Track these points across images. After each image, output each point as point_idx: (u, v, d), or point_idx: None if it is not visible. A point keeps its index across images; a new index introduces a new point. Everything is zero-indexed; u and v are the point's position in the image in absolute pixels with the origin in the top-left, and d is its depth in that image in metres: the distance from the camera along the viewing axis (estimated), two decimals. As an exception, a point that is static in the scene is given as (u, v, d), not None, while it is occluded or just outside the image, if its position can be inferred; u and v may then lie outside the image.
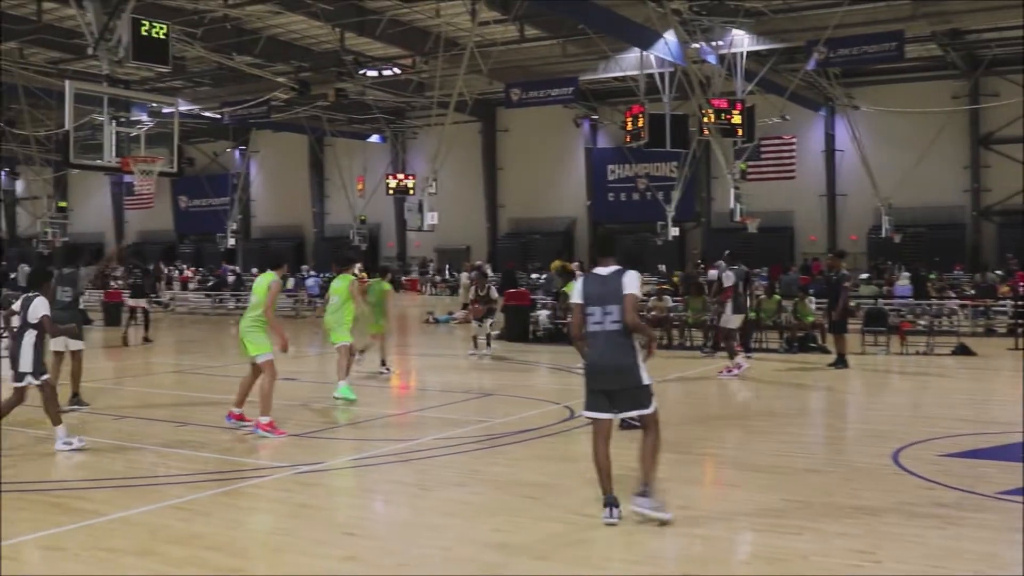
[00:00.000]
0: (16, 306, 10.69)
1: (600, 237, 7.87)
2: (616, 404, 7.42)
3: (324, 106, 41.64)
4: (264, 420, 11.08)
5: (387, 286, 17.18)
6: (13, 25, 31.60)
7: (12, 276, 38.12)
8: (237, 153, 58.53)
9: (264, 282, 11.70)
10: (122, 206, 63.35)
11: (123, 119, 18.15)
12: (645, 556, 6.85)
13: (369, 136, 52.90)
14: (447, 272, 50.52)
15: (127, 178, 19.79)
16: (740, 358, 16.64)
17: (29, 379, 10.25)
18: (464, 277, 23.35)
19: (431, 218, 39.66)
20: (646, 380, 7.41)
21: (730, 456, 10.47)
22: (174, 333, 27.32)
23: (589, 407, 7.53)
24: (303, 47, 36.24)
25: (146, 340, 24.16)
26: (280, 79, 35.87)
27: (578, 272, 12.53)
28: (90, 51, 19.39)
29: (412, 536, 7.31)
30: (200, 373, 17.30)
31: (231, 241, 55.01)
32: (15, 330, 10.50)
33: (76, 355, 13.08)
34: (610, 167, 49.72)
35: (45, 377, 10.41)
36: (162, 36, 18.51)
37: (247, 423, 11.38)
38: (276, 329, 11.54)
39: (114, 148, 17.83)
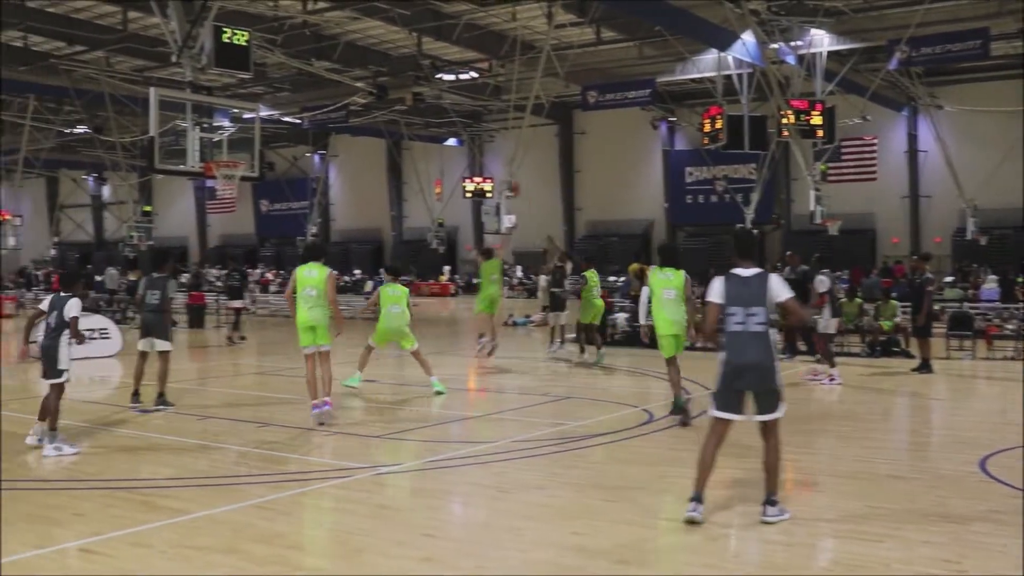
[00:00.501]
0: (44, 305, 10.91)
1: (740, 239, 7.90)
2: (754, 405, 7.51)
3: (402, 110, 41.96)
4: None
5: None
6: (99, 34, 32.39)
7: (99, 279, 38.92)
8: (316, 157, 59.27)
9: (323, 275, 12.27)
10: (205, 210, 64.48)
11: (206, 125, 18.50)
12: (726, 561, 6.80)
13: (446, 139, 53.20)
14: (516, 274, 50.63)
15: (210, 183, 20.16)
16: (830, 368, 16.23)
17: (67, 375, 10.56)
18: (542, 280, 23.34)
19: (508, 221, 39.77)
20: (780, 383, 7.52)
21: (812, 461, 10.32)
22: (256, 335, 27.67)
23: (721, 407, 7.56)
24: (381, 52, 36.56)
25: (241, 339, 24.74)
26: (358, 84, 36.21)
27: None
28: (174, 59, 19.82)
29: (490, 538, 7.33)
30: (281, 375, 17.51)
31: (311, 244, 55.66)
32: (49, 328, 10.70)
33: (163, 356, 13.42)
34: (688, 169, 49.35)
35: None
36: (243, 43, 18.83)
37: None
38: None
39: (197, 153, 18.17)
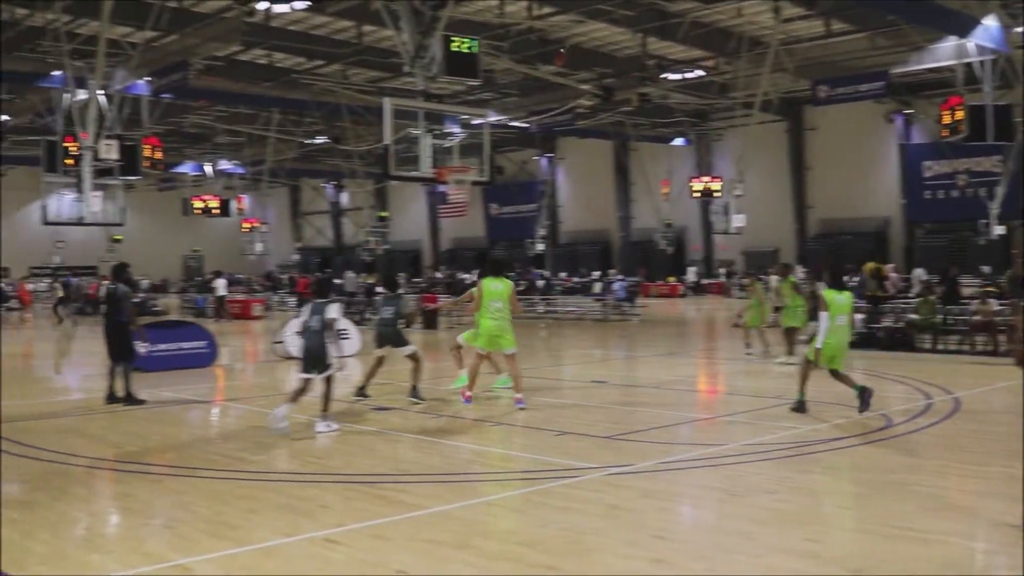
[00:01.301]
0: (304, 312, 12.31)
1: None
2: None
3: (628, 111, 41.97)
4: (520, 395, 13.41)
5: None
6: (336, 49, 33.82)
7: (338, 282, 40.61)
8: (544, 160, 60.01)
9: (508, 288, 13.67)
10: (437, 214, 66.23)
11: (437, 131, 19.02)
12: None
13: (673, 139, 52.84)
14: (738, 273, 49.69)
15: (441, 188, 20.75)
16: None
17: (335, 367, 12.04)
18: (773, 280, 22.81)
19: (738, 220, 39.16)
20: None
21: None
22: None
23: None
24: (606, 54, 36.68)
25: None
26: (584, 86, 36.45)
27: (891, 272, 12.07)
28: (406, 69, 20.51)
29: (721, 542, 7.25)
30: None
31: (540, 246, 56.43)
32: (313, 330, 11.92)
33: (412, 356, 14.39)
34: (926, 163, 47.23)
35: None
36: (472, 51, 19.29)
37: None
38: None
39: (429, 159, 18.73)
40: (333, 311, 11.97)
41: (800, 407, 12.59)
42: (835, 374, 12.56)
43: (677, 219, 52.83)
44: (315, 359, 11.88)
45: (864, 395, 12.10)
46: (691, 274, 54.93)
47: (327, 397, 12.02)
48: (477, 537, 7.27)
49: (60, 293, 42.11)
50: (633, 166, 56.42)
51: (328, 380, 11.98)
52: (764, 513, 7.88)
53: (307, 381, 12.00)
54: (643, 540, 7.19)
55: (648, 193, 53.50)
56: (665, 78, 37.00)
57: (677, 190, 50.44)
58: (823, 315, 12.31)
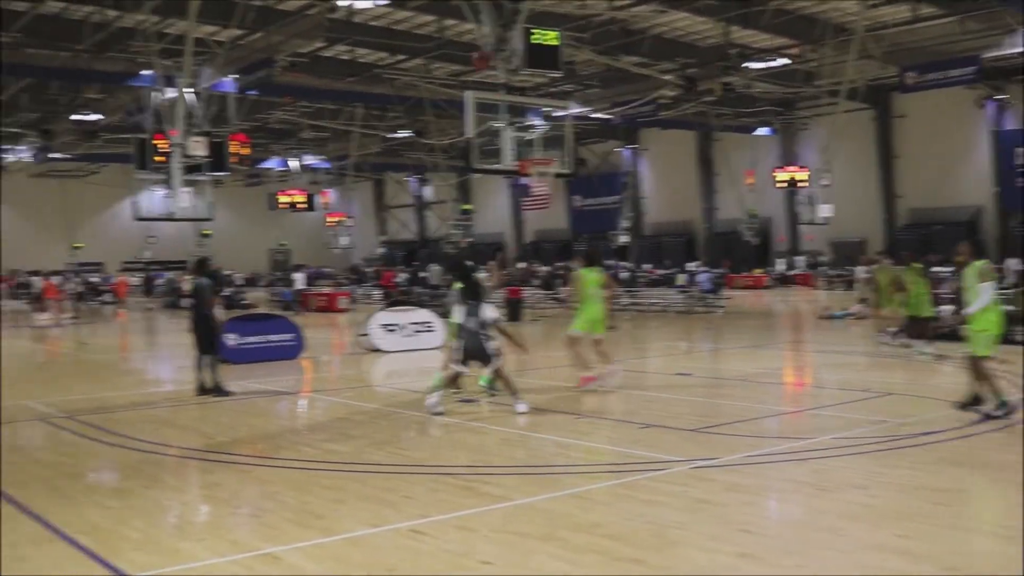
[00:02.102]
0: (459, 312, 12.90)
1: None
2: None
3: (711, 101, 41.54)
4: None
5: None
6: (418, 43, 34.00)
7: (423, 275, 40.86)
8: (627, 152, 59.71)
9: (602, 277, 14.71)
10: (520, 207, 66.28)
11: (519, 124, 19.03)
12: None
13: (757, 129, 52.18)
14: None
15: (524, 180, 20.74)
16: None
17: (497, 361, 12.81)
18: (861, 271, 22.43)
19: (824, 210, 38.56)
20: None
21: None
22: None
23: None
24: (688, 43, 36.35)
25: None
26: (666, 77, 36.20)
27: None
28: (488, 62, 20.52)
29: (810, 537, 7.14)
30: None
31: (624, 238, 56.19)
32: (464, 329, 12.63)
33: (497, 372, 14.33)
34: (1019, 150, 45.92)
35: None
36: (553, 43, 19.25)
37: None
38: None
39: (512, 152, 18.74)
40: (488, 312, 12.80)
41: (1003, 409, 11.29)
42: (979, 367, 11.52)
43: (762, 210, 52.17)
44: (476, 355, 12.69)
45: (995, 406, 11.46)
46: (780, 264, 54.20)
47: (510, 384, 12.78)
48: (563, 529, 7.25)
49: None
50: (717, 156, 55.88)
51: (498, 370, 12.81)
52: (854, 508, 7.73)
53: (460, 373, 12.92)
54: (729, 534, 7.11)
55: (732, 184, 52.93)
56: (748, 67, 36.51)
57: (761, 180, 49.85)
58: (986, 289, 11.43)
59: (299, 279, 40.40)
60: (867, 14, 29.93)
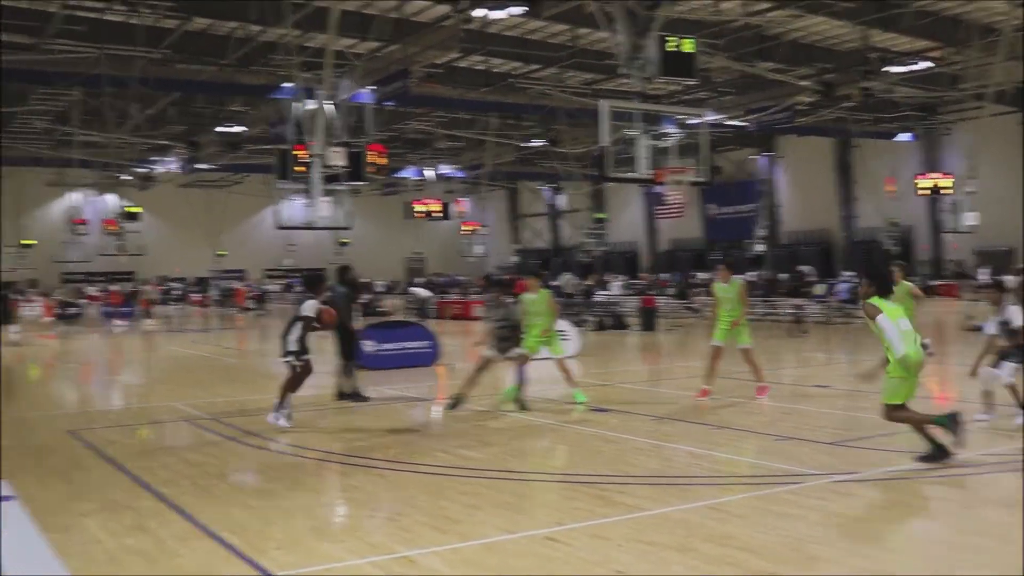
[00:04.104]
0: None
1: None
2: None
3: (849, 107, 40.64)
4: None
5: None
6: (551, 52, 34.13)
7: (556, 284, 40.96)
8: (763, 159, 58.83)
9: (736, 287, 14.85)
10: (654, 215, 65.86)
11: (654, 132, 18.92)
12: None
13: (898, 135, 50.79)
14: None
15: (658, 189, 20.65)
16: None
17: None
18: (1010, 280, 21.60)
19: (970, 218, 37.32)
20: None
21: None
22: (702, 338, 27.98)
23: None
24: (825, 48, 35.62)
25: (803, 332, 25.21)
26: (803, 82, 35.54)
27: None
28: (621, 70, 20.47)
29: (953, 557, 6.92)
30: (732, 377, 17.52)
31: (759, 247, 55.38)
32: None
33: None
34: None
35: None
36: (689, 50, 19.10)
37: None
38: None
39: (646, 161, 18.65)
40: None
41: None
42: None
43: (903, 218, 50.75)
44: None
45: None
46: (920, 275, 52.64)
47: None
48: (697, 540, 7.21)
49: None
50: (855, 163, 54.56)
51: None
52: (1002, 528, 7.47)
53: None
54: (869, 551, 6.96)
55: (871, 191, 51.64)
56: (888, 71, 35.57)
57: (903, 187, 48.49)
58: None
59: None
60: (1015, 13, 28.85)
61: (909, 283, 16.07)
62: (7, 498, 7.43)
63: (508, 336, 14.29)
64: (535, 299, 14.46)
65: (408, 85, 30.36)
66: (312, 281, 13.69)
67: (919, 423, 9.64)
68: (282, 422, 12.65)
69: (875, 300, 9.48)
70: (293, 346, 12.87)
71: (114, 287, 52.04)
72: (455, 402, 14.03)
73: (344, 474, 10.18)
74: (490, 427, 12.79)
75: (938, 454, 9.44)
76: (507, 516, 8.02)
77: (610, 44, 22.39)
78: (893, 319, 9.34)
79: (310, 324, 12.90)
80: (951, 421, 9.46)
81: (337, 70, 29.23)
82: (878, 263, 11.67)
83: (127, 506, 8.60)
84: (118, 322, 41.40)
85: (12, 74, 31.24)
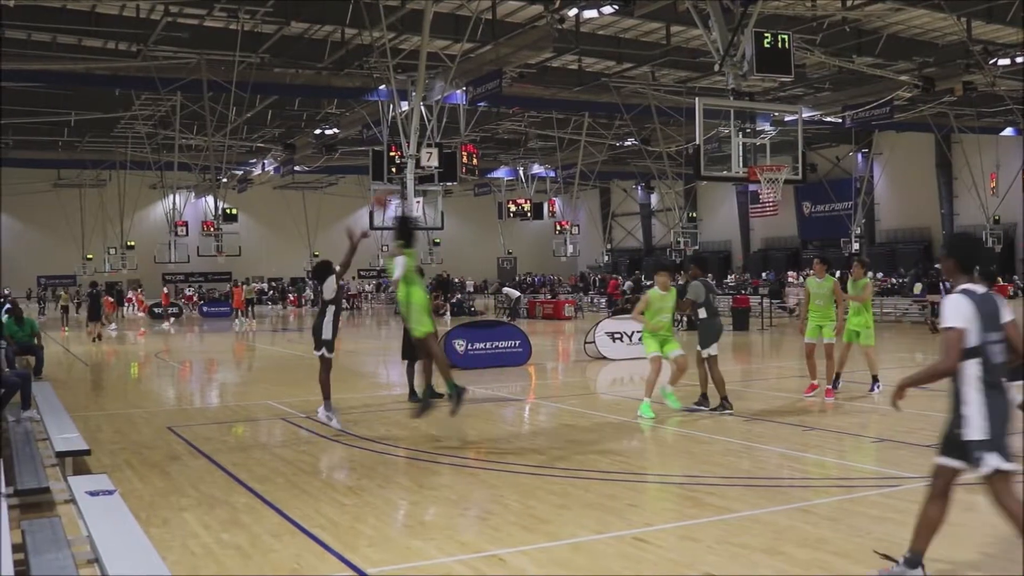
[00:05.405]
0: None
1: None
2: None
3: (951, 101, 39.69)
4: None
5: None
6: (644, 51, 33.97)
7: (648, 283, 40.74)
8: (859, 156, 57.75)
9: (829, 284, 14.96)
10: (747, 214, 65.14)
11: (748, 130, 18.73)
12: None
13: (1002, 130, 49.47)
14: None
15: (752, 187, 20.38)
16: None
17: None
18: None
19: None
20: None
21: None
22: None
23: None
24: (926, 42, 34.85)
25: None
26: (902, 77, 34.81)
27: None
28: (716, 68, 20.30)
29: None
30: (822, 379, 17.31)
31: (855, 246, 54.40)
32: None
33: (710, 360, 13.88)
34: None
35: None
36: (785, 46, 18.86)
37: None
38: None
39: (741, 159, 18.47)
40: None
41: None
42: None
43: (1006, 215, 49.43)
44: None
45: None
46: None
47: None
48: (788, 544, 7.12)
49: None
50: (956, 159, 53.27)
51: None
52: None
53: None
54: (968, 556, 6.82)
55: (973, 188, 50.33)
56: (993, 64, 34.66)
57: (1007, 184, 47.21)
58: None
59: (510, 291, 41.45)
60: None
61: (866, 279, 16.03)
62: (108, 492, 7.63)
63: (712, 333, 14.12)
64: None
65: (501, 85, 30.50)
66: (319, 270, 13.65)
67: None
68: (335, 423, 12.76)
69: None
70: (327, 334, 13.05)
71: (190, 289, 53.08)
72: (714, 404, 13.83)
73: (434, 472, 10.26)
74: (579, 426, 12.78)
75: None
76: (596, 516, 8.01)
77: (704, 41, 22.19)
78: None
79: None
80: None
81: (430, 72, 29.50)
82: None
83: (223, 501, 8.79)
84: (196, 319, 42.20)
85: (118, 81, 32.24)
